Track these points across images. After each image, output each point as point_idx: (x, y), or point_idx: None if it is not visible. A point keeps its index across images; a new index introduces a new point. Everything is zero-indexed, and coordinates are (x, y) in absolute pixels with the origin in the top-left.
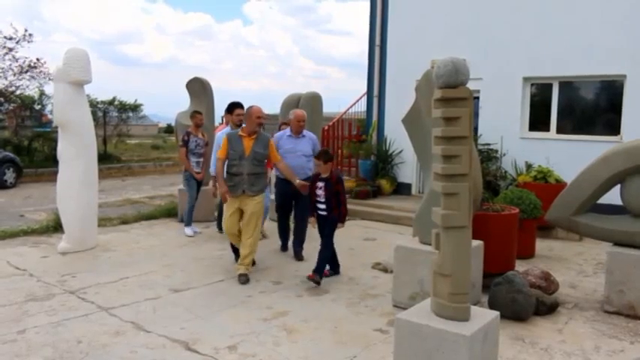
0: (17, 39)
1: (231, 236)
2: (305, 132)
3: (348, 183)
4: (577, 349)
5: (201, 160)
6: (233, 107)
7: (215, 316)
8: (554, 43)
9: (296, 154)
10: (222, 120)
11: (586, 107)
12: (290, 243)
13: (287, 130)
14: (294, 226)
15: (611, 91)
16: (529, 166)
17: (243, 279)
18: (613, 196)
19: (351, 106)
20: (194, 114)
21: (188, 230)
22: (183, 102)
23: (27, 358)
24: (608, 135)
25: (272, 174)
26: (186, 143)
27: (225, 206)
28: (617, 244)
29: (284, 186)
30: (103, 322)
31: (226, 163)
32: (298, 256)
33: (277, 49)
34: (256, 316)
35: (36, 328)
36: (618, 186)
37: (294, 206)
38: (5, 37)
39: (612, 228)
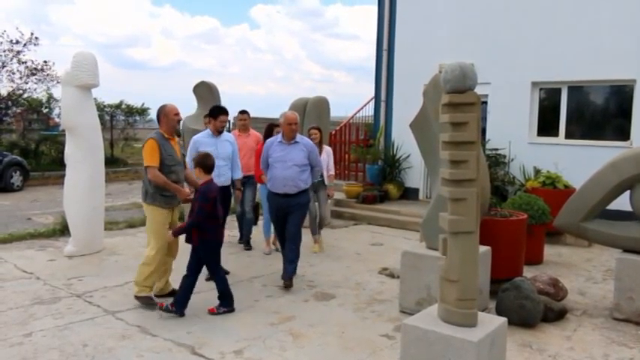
0: (24, 42)
1: (165, 259)
2: (299, 137)
3: (355, 188)
4: (586, 356)
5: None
6: (219, 113)
7: (221, 321)
8: (563, 48)
9: (286, 164)
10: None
11: (595, 112)
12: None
13: (278, 136)
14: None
15: (621, 96)
16: (537, 172)
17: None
18: (622, 202)
19: (358, 111)
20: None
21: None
22: (190, 106)
23: None
24: (617, 140)
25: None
26: None
27: (156, 221)
28: (626, 250)
29: (276, 200)
30: (109, 326)
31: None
32: (285, 278)
33: (284, 53)
34: (263, 321)
35: (42, 331)
36: (628, 192)
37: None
38: (11, 41)
39: (621, 234)
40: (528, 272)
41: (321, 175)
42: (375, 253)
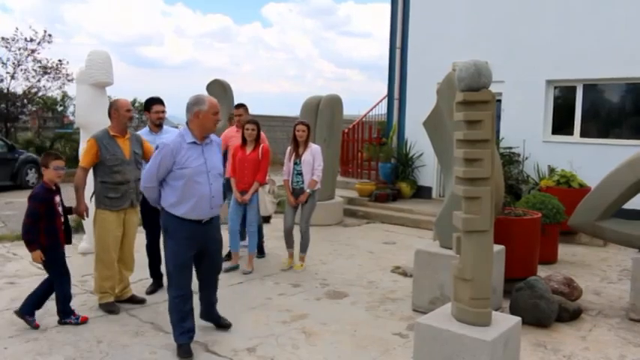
0: (38, 40)
1: (109, 265)
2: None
3: (368, 186)
4: (601, 357)
5: None
6: (151, 103)
7: (234, 318)
8: (578, 45)
9: (211, 174)
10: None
11: (611, 110)
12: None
13: (186, 134)
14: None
15: (637, 94)
16: (552, 170)
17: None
18: (639, 202)
19: (371, 109)
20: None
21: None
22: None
23: (49, 356)
24: (633, 139)
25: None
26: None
27: (99, 225)
28: None
29: (192, 230)
30: (123, 323)
31: (92, 171)
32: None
33: (297, 52)
34: (275, 319)
35: (57, 327)
36: None
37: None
38: (26, 39)
39: (638, 234)
40: (542, 272)
41: (304, 181)
42: (388, 251)
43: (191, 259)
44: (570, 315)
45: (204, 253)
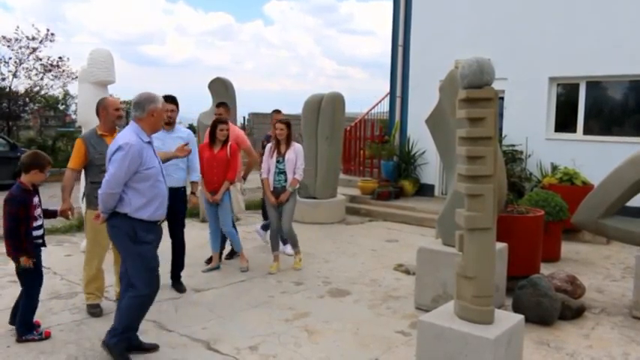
0: (40, 39)
1: (98, 266)
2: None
3: (370, 184)
4: (604, 355)
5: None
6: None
7: (236, 317)
8: (581, 43)
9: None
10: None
11: (614, 108)
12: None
13: (138, 132)
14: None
15: None
16: (554, 168)
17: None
18: None
19: (373, 107)
20: (274, 113)
21: (287, 249)
22: (205, 102)
23: (51, 355)
24: (636, 136)
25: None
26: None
27: (90, 225)
28: None
29: (154, 232)
30: None
31: (84, 172)
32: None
33: (299, 50)
34: (278, 317)
35: (60, 325)
36: None
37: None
38: (28, 38)
39: None
40: (545, 269)
41: (286, 179)
42: (391, 249)
43: (158, 260)
44: (573, 313)
45: None
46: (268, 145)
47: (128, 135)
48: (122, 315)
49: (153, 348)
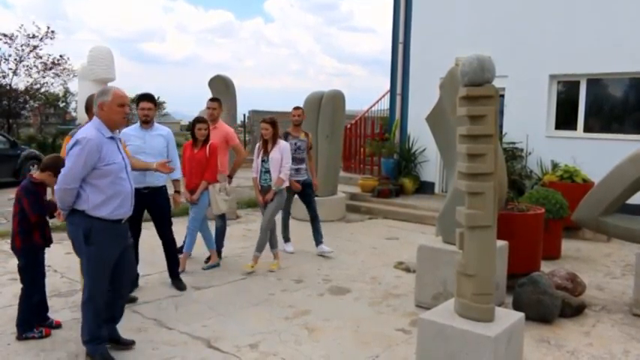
0: (40, 36)
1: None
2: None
3: (370, 182)
4: (605, 352)
5: (302, 166)
6: (139, 100)
7: (237, 314)
8: (582, 40)
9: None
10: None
11: (614, 105)
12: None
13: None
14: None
15: None
16: (555, 166)
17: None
18: None
19: (373, 105)
20: (297, 108)
21: (288, 247)
22: (205, 100)
23: (52, 353)
24: (637, 134)
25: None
26: None
27: None
28: None
29: (119, 230)
30: (126, 319)
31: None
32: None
33: (299, 47)
34: (278, 315)
35: (60, 323)
36: None
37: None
38: (28, 36)
39: None
40: (546, 267)
41: (271, 178)
42: (391, 247)
43: (114, 261)
44: (574, 310)
45: (120, 257)
46: (257, 145)
47: (88, 129)
48: (83, 326)
49: (130, 344)
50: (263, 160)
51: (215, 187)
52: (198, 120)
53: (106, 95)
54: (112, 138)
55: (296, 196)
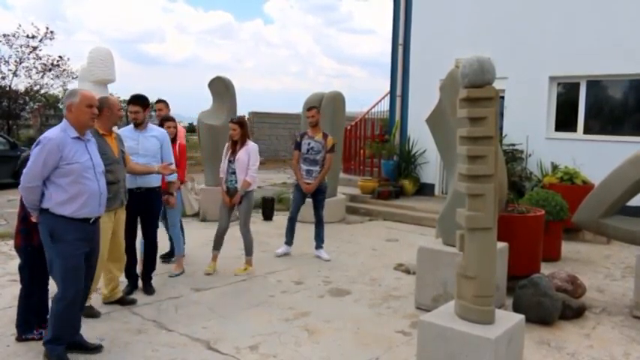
0: (40, 37)
1: (100, 266)
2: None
3: (370, 183)
4: (605, 354)
5: (316, 168)
6: (129, 102)
7: (237, 316)
8: (582, 41)
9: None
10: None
11: (614, 107)
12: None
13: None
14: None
15: None
16: (555, 167)
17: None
18: None
19: (373, 106)
20: (310, 109)
21: (283, 249)
22: (205, 101)
23: None
24: (637, 135)
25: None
26: (298, 146)
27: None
28: None
29: (87, 230)
30: (126, 320)
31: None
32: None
33: (298, 48)
34: (278, 316)
35: None
36: None
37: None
38: (28, 37)
39: None
40: (546, 269)
41: (237, 180)
42: (391, 248)
43: (83, 260)
44: (574, 312)
45: (89, 256)
46: (227, 145)
47: (53, 130)
48: (51, 323)
49: (97, 348)
50: (230, 161)
51: (187, 187)
52: (166, 118)
53: (74, 97)
54: (78, 138)
55: (308, 199)
